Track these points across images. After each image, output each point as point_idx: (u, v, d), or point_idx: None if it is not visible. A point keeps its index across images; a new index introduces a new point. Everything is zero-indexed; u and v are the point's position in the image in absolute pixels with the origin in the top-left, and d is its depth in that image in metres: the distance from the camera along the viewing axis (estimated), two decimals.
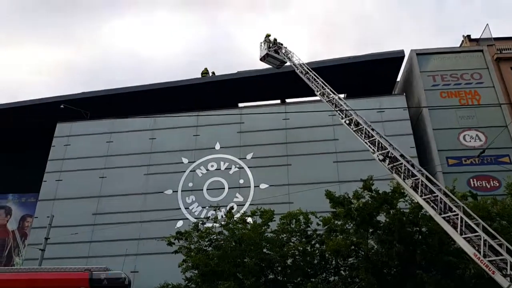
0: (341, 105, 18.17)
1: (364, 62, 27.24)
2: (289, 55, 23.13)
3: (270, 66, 24.98)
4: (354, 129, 16.87)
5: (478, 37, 28.50)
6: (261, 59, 24.67)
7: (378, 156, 15.14)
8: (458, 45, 29.43)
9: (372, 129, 16.33)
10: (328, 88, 19.25)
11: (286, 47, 23.68)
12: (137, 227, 24.02)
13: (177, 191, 25.01)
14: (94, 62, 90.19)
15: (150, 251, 22.72)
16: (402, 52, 26.82)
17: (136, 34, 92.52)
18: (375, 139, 15.74)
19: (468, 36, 29.12)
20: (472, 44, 28.34)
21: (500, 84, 25.23)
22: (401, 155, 14.67)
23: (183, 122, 26.85)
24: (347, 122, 17.44)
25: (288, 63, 23.30)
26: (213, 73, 31.15)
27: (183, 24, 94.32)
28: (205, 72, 30.97)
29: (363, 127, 16.49)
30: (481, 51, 26.61)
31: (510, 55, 26.31)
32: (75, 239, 23.44)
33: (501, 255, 10.71)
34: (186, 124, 26.83)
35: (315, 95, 20.07)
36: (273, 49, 23.95)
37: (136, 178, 25.77)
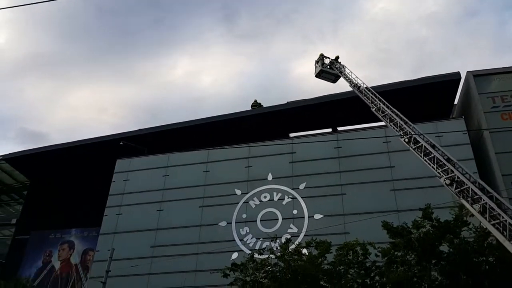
0: (396, 119, 17.74)
1: (419, 86, 26.57)
2: (342, 69, 24.03)
3: (325, 83, 26.32)
4: (413, 147, 16.32)
5: None
6: (316, 76, 26.13)
7: (445, 180, 14.48)
8: None
9: (433, 146, 15.67)
10: (382, 103, 18.98)
11: (340, 62, 24.70)
12: (193, 259, 24.27)
13: (231, 223, 25.12)
14: (153, 99, 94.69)
15: (206, 283, 22.64)
16: (458, 74, 25.89)
17: (192, 70, 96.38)
18: (434, 156, 15.11)
19: None
20: None
21: None
22: (466, 176, 13.97)
23: (235, 154, 27.23)
24: (406, 140, 16.93)
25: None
26: (260, 105, 31.65)
27: (236, 58, 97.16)
28: (255, 105, 31.55)
29: (421, 144, 15.90)
30: None
31: None
32: (135, 272, 23.95)
33: None
34: (238, 156, 27.15)
35: (368, 120, 19.84)
36: (327, 66, 25.32)
37: (192, 210, 26.19)
